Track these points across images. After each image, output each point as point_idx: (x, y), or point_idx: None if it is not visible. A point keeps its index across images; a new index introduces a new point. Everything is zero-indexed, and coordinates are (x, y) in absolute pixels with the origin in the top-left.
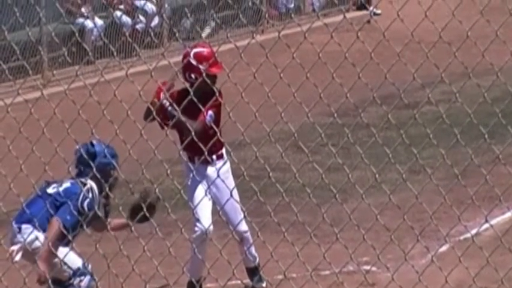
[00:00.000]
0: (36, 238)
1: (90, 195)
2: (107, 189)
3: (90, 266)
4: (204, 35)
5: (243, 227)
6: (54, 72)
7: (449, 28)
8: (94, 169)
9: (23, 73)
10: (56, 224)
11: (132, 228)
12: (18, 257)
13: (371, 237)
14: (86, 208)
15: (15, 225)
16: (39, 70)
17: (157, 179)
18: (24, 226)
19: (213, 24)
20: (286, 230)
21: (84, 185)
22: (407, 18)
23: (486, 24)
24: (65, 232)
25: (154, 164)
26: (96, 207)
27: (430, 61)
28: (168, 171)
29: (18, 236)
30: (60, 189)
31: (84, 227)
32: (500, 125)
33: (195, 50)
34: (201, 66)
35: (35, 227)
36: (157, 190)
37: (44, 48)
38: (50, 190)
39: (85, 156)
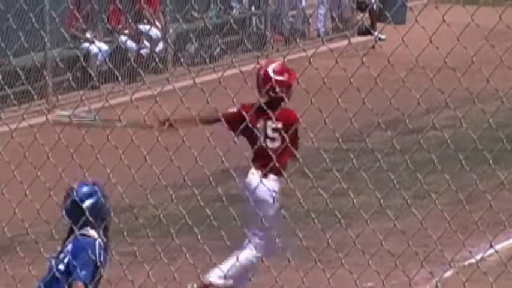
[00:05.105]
0: None
1: (99, 247)
2: (104, 226)
3: None
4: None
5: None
6: (59, 97)
7: (454, 53)
8: (87, 213)
9: (28, 98)
10: (76, 287)
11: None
12: None
13: (376, 263)
14: (102, 260)
15: None
16: (43, 95)
17: (161, 204)
18: None
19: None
20: (290, 255)
21: (89, 236)
22: (412, 44)
23: (491, 50)
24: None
25: (159, 188)
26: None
27: (434, 86)
28: (173, 196)
29: None
30: (68, 257)
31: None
32: (505, 151)
33: (272, 66)
34: (282, 78)
35: None
36: (161, 215)
37: (49, 73)
38: (62, 267)
39: (73, 206)
